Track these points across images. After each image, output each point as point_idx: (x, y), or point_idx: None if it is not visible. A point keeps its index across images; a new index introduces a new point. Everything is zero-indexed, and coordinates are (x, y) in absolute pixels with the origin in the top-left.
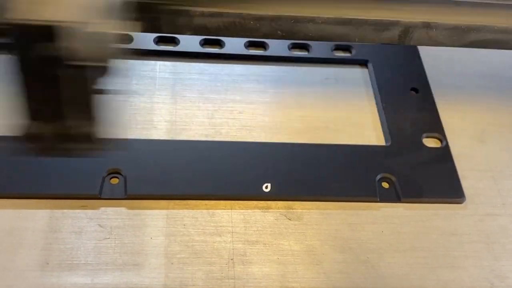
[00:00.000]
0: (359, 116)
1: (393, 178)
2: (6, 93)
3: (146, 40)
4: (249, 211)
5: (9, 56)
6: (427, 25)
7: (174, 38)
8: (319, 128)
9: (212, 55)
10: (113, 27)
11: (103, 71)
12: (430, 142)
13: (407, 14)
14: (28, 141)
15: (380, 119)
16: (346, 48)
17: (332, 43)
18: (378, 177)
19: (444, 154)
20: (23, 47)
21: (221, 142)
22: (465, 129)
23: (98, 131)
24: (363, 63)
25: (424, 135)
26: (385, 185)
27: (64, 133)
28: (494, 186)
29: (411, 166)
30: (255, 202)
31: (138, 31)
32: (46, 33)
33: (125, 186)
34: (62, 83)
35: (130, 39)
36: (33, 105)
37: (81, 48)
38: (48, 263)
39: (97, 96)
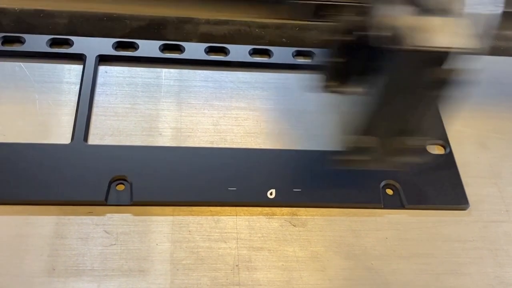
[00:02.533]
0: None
1: (397, 185)
2: (20, 99)
3: (152, 47)
4: (254, 217)
5: (27, 62)
6: None
7: (179, 45)
8: (323, 135)
9: (217, 62)
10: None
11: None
12: (434, 149)
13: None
14: (355, 153)
15: None
16: None
17: None
18: (382, 183)
19: (447, 161)
20: (407, 71)
21: (226, 149)
22: (468, 136)
23: (426, 145)
24: None
25: (428, 142)
26: (389, 191)
27: (395, 147)
28: (498, 192)
29: (415, 172)
30: (259, 209)
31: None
32: (438, 58)
33: (131, 193)
34: (428, 102)
35: (136, 46)
36: (374, 122)
37: (461, 68)
38: (54, 269)
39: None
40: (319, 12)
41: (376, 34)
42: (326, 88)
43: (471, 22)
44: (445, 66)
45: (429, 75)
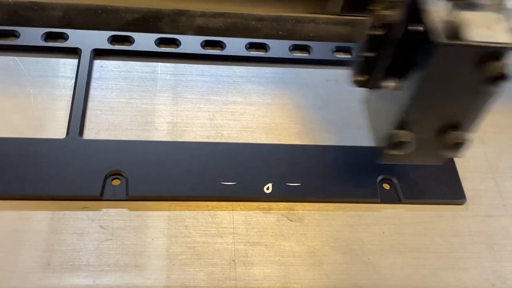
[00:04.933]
0: (360, 117)
1: (394, 179)
2: (15, 93)
3: (147, 41)
4: (251, 212)
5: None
6: None
7: (175, 39)
8: (320, 129)
9: (213, 56)
10: None
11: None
12: None
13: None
14: (393, 149)
15: None
16: (347, 50)
17: (333, 45)
18: (379, 178)
19: None
20: (460, 66)
21: (222, 144)
22: None
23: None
24: None
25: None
26: (386, 186)
27: (434, 142)
28: (495, 187)
29: (412, 167)
30: (256, 204)
31: None
32: (493, 54)
33: (127, 188)
34: (481, 97)
35: (132, 40)
36: (413, 116)
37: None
38: (49, 265)
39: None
40: (351, 5)
41: (426, 28)
42: (355, 83)
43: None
44: (501, 61)
45: (484, 71)
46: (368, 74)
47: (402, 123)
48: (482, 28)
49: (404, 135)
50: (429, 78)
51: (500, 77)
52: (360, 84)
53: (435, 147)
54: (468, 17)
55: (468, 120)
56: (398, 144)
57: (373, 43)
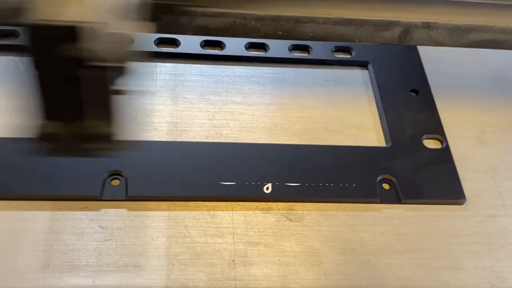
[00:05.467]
0: (360, 117)
1: (394, 179)
2: (16, 93)
3: (147, 41)
4: (250, 212)
5: (22, 56)
6: (427, 25)
7: (175, 39)
8: (319, 129)
9: (213, 56)
10: (131, 28)
11: (121, 71)
12: (431, 143)
13: (407, 14)
14: (43, 141)
15: (381, 120)
16: (346, 50)
17: (333, 45)
18: (379, 178)
19: (444, 155)
20: (42, 48)
21: (222, 144)
22: (465, 130)
23: (115, 131)
24: (363, 65)
25: (425, 136)
26: (386, 186)
27: (81, 133)
28: (494, 187)
29: (411, 167)
30: (256, 204)
31: (153, 32)
32: (68, 33)
33: (126, 188)
34: (81, 83)
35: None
36: (49, 105)
37: (101, 48)
38: (49, 265)
39: (115, 96)
40: None
41: None
42: None
43: None
44: (78, 43)
45: (61, 53)
46: None
47: (46, 112)
48: (64, 5)
49: (52, 126)
50: (36, 62)
51: (85, 60)
52: None
53: (79, 138)
54: None
55: (99, 109)
56: (47, 136)
57: None
